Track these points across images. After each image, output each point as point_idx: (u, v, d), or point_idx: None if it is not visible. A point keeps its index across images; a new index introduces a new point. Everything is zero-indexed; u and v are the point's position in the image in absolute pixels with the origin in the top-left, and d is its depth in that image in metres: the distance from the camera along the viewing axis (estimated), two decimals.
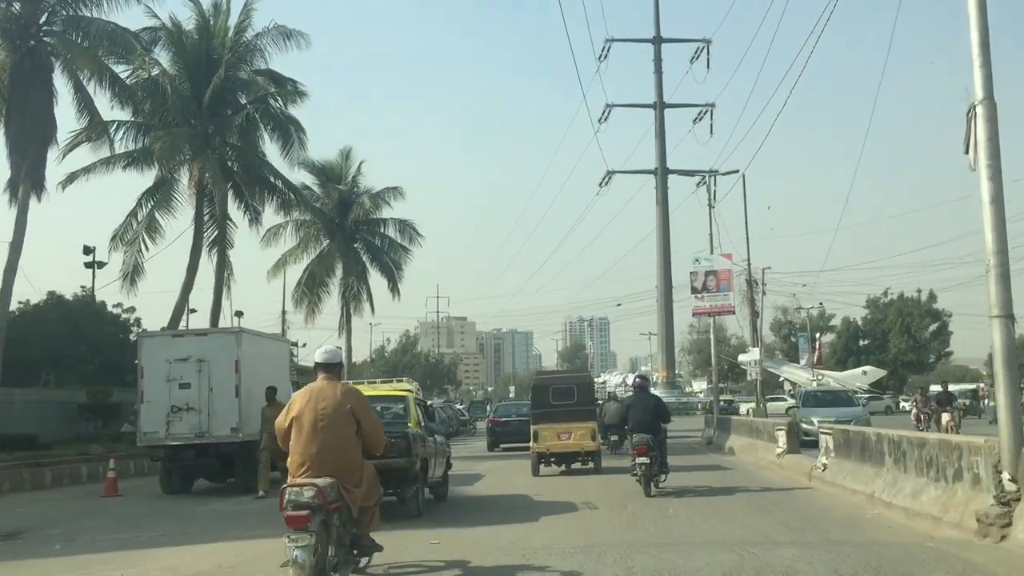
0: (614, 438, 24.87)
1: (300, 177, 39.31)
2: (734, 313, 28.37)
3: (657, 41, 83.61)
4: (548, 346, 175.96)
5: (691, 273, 29.44)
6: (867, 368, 76.57)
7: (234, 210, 33.11)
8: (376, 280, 45.71)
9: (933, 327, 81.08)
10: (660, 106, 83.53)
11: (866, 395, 74.38)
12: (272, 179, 32.06)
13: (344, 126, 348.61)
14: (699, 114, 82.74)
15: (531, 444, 19.71)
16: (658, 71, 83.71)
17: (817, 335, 76.78)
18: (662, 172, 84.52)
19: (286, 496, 6.79)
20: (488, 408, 55.09)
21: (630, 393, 21.23)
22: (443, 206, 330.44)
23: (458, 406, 54.99)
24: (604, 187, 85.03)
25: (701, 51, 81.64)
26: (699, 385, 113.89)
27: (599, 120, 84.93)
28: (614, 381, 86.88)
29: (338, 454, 7.24)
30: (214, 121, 32.10)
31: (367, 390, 12.96)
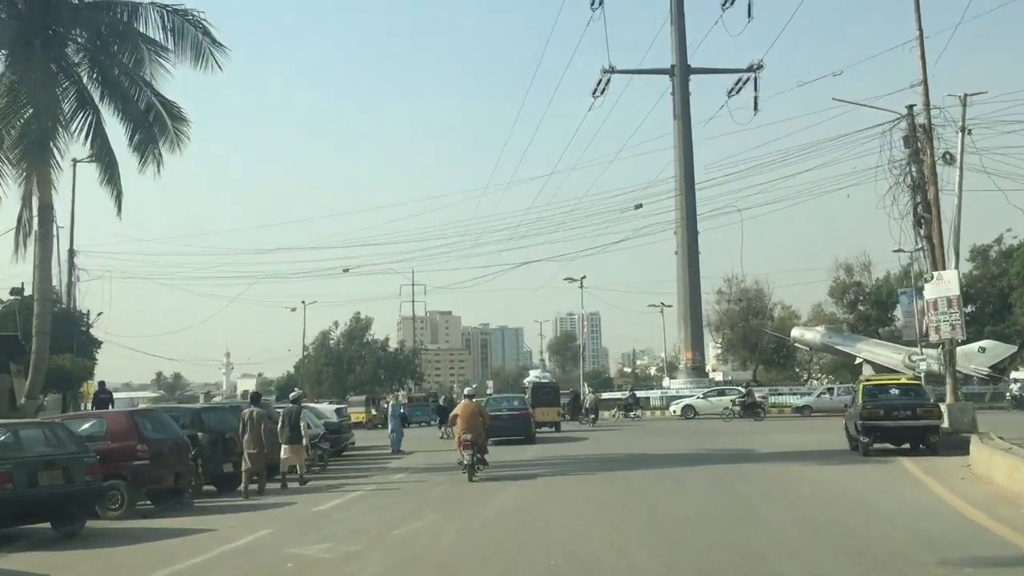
0: (567, 416, 42.17)
1: None
2: None
3: None
4: (534, 329, 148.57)
5: None
6: (986, 343, 52.39)
7: None
8: (118, 137, 21.24)
9: None
10: None
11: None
12: None
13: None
14: None
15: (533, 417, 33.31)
16: None
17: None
18: (681, 71, 60.07)
19: (461, 436, 17.47)
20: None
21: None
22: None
23: (325, 407, 30.04)
24: (601, 95, 60.54)
25: None
26: (717, 375, 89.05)
27: (592, 5, 60.44)
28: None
29: (477, 428, 17.76)
30: None
31: None
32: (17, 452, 11.30)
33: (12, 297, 31.82)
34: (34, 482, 11.14)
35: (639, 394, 58.72)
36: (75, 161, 34.39)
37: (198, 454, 15.98)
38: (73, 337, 35.73)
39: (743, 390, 47.73)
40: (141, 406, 33.72)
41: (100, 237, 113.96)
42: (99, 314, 40.50)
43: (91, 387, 33.68)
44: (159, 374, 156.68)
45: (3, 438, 11.27)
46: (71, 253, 36.92)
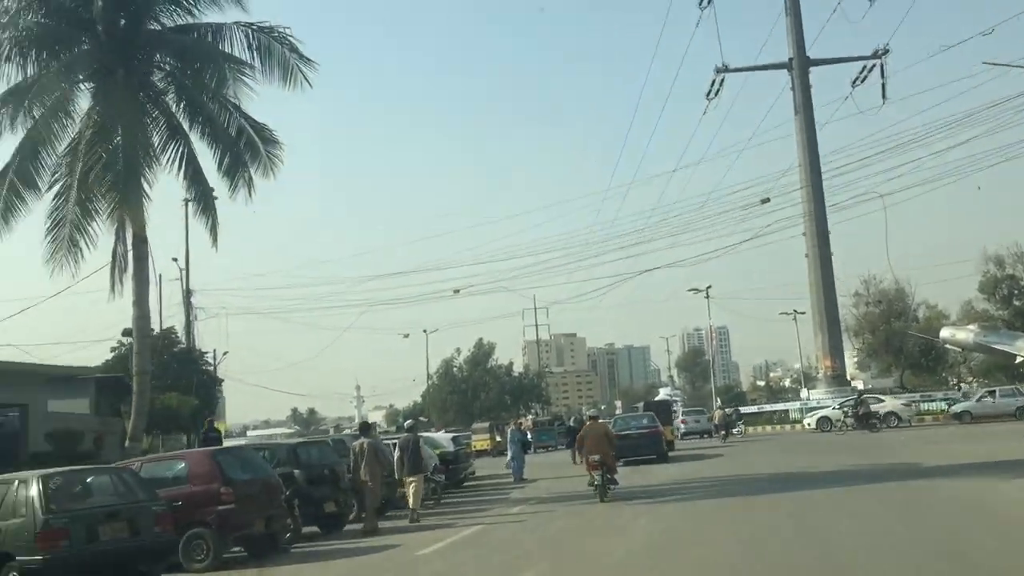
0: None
1: None
2: None
3: None
4: (660, 346, 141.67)
5: None
6: None
7: None
8: (207, 164, 20.46)
9: None
10: None
11: None
12: None
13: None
14: None
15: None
16: None
17: None
18: (800, 65, 56.78)
19: (589, 457, 17.71)
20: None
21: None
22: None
23: (443, 437, 28.36)
24: (715, 97, 57.81)
25: None
26: (859, 383, 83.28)
27: (700, 4, 57.93)
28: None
29: (604, 449, 17.95)
30: None
31: None
32: (76, 504, 10.09)
33: (126, 339, 31.77)
34: (94, 537, 9.87)
35: (750, 409, 59.31)
36: (186, 201, 34.31)
37: (294, 494, 14.62)
38: (194, 376, 35.66)
39: (854, 399, 44.02)
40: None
41: (214, 274, 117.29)
42: (224, 353, 40.59)
43: (223, 425, 33.41)
44: (294, 410, 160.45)
45: (58, 486, 10.03)
46: (188, 293, 36.90)
